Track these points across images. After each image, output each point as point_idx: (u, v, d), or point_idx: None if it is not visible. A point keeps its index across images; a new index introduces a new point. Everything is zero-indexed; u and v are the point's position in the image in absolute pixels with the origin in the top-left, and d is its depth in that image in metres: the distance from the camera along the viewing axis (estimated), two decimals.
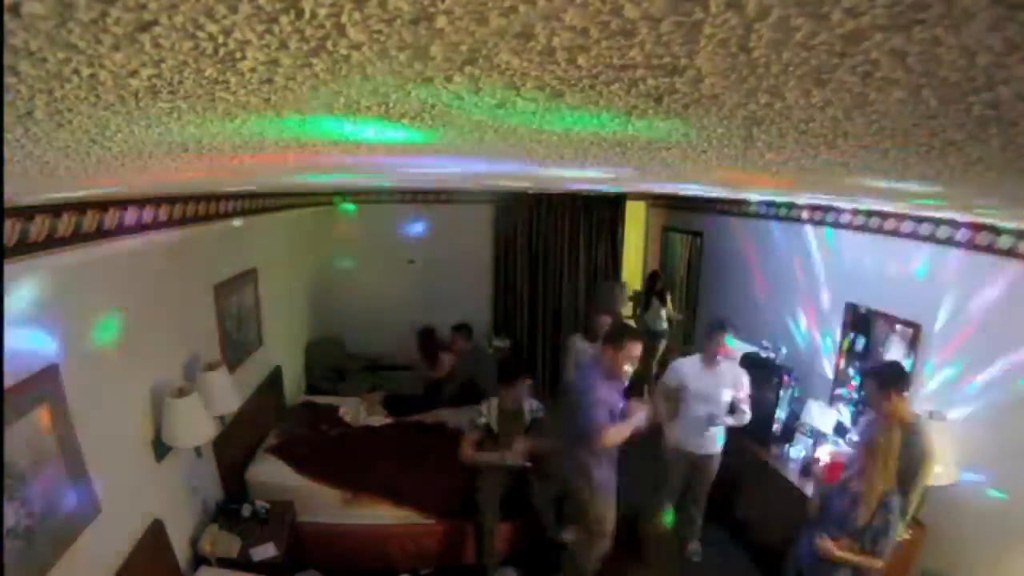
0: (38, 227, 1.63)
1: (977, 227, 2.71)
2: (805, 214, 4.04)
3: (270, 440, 3.86)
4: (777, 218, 4.41)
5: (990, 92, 0.44)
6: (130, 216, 2.13)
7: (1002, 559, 2.55)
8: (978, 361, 2.74)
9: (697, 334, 5.56)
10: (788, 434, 3.73)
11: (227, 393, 2.99)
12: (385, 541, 3.44)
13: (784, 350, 4.04)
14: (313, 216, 5.59)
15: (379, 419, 4.47)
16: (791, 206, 4.15)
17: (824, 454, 3.37)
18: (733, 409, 3.39)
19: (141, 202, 2.19)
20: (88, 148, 0.76)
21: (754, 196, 3.73)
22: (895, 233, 3.24)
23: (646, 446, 3.38)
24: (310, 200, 5.24)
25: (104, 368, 2.22)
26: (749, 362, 3.92)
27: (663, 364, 4.95)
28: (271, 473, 3.53)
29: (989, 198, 1.48)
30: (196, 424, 2.58)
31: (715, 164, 1.17)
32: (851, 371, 3.62)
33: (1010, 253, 2.57)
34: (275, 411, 4.29)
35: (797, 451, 3.60)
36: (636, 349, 2.99)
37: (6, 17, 0.30)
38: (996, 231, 2.63)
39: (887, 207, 2.98)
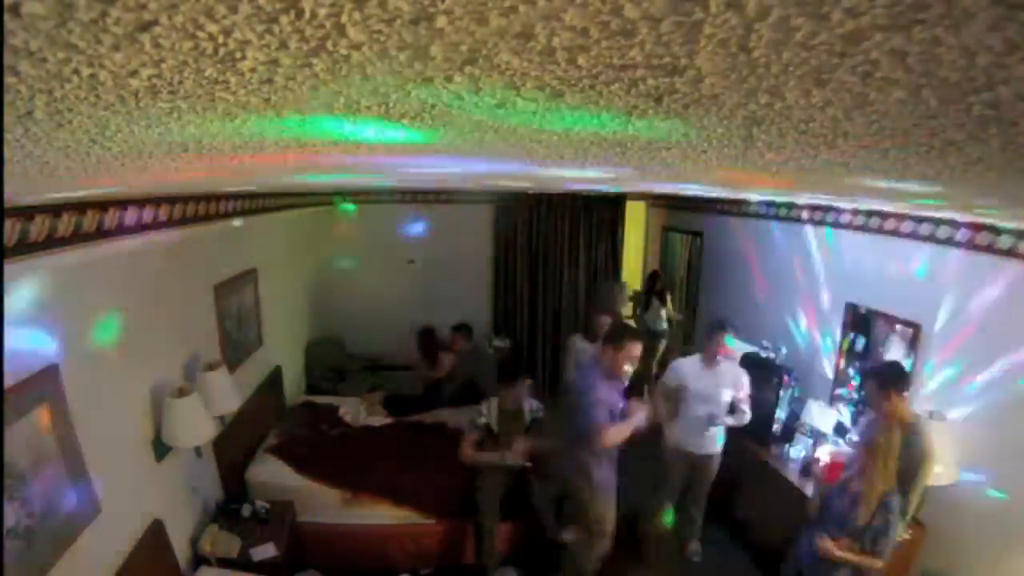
0: (38, 227, 1.63)
1: (977, 227, 2.72)
2: (805, 214, 4.04)
3: (270, 440, 3.86)
4: (777, 218, 4.41)
5: (990, 92, 0.44)
6: (130, 216, 2.13)
7: (1002, 559, 2.55)
8: (978, 361, 2.74)
9: (697, 334, 5.57)
10: (788, 434, 3.73)
11: (227, 393, 2.99)
12: (385, 541, 3.44)
13: (784, 350, 4.04)
14: (313, 216, 5.59)
15: (379, 419, 4.47)
16: (791, 206, 4.15)
17: (824, 454, 3.38)
18: (733, 409, 3.39)
19: (141, 202, 2.19)
20: (88, 148, 0.76)
21: (754, 196, 3.73)
22: (895, 233, 3.24)
23: (646, 446, 3.39)
24: (310, 200, 5.24)
25: (104, 368, 2.22)
26: (749, 362, 3.92)
27: (663, 364, 4.95)
28: (271, 473, 3.53)
29: (989, 198, 1.48)
30: (196, 424, 2.58)
31: (715, 164, 1.17)
32: (851, 371, 3.63)
33: (1010, 253, 2.57)
34: (275, 411, 4.29)
35: (797, 451, 3.60)
36: (636, 349, 3.01)
37: (6, 17, 0.30)
38: (996, 231, 2.63)
39: (887, 207, 2.98)
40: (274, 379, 4.41)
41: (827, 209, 3.75)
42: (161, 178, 1.47)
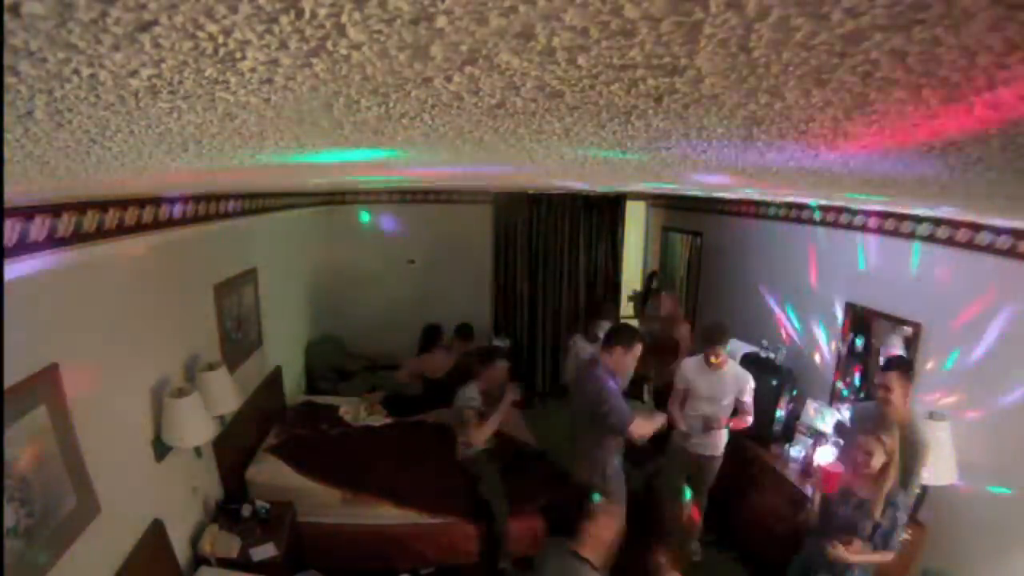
0: (38, 227, 1.63)
1: (977, 227, 2.72)
2: (806, 214, 4.04)
3: (270, 440, 3.86)
4: (777, 218, 4.41)
5: (990, 92, 0.44)
6: (130, 216, 2.13)
7: (1002, 559, 2.55)
8: (978, 361, 2.74)
9: (697, 334, 5.56)
10: (788, 434, 3.73)
11: (227, 393, 2.99)
12: (385, 541, 3.44)
13: (784, 350, 4.04)
14: (313, 216, 5.59)
15: (379, 419, 4.47)
16: (791, 206, 4.15)
17: (821, 458, 3.36)
18: (736, 412, 3.40)
19: (141, 202, 2.19)
20: (88, 148, 0.76)
21: (754, 196, 3.73)
22: (895, 233, 3.24)
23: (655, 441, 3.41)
24: (310, 200, 5.24)
25: (104, 368, 2.22)
26: (749, 362, 3.92)
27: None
28: (271, 473, 3.53)
29: (989, 198, 1.48)
30: (196, 424, 2.58)
31: (715, 164, 1.17)
32: (851, 371, 3.62)
33: (1010, 253, 2.58)
34: (275, 411, 4.28)
35: (797, 451, 3.60)
36: (639, 350, 3.09)
37: (6, 17, 0.30)
38: (995, 231, 2.63)
39: (887, 207, 2.98)
40: (274, 379, 4.41)
41: (827, 209, 3.75)
42: (161, 178, 1.47)
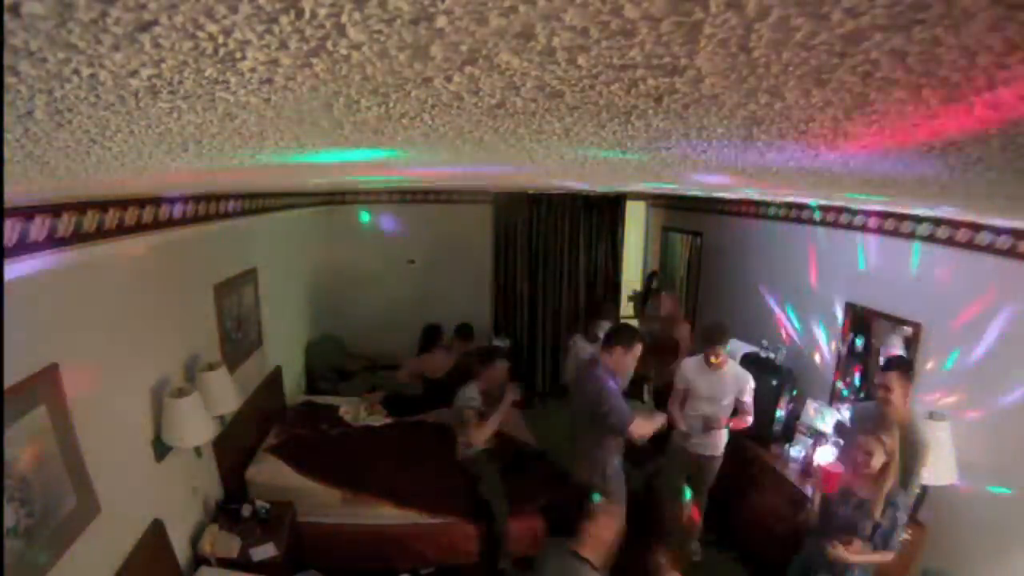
0: (38, 227, 1.63)
1: (977, 227, 2.72)
2: (806, 214, 4.04)
3: (270, 440, 3.86)
4: (777, 218, 4.41)
5: (990, 92, 0.44)
6: (130, 216, 2.13)
7: (1002, 558, 2.55)
8: (978, 361, 2.74)
9: (696, 334, 5.56)
10: (788, 434, 3.73)
11: (227, 393, 2.99)
12: (385, 541, 3.44)
13: (784, 350, 4.04)
14: (313, 216, 5.59)
15: (379, 419, 4.47)
16: (791, 206, 4.15)
17: (821, 458, 3.36)
18: (736, 412, 3.40)
19: (141, 202, 2.19)
20: (88, 148, 0.76)
21: (754, 196, 3.73)
22: (895, 233, 3.24)
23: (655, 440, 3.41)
24: (310, 200, 5.24)
25: (104, 368, 2.22)
26: (749, 362, 3.92)
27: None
28: (271, 473, 3.53)
29: (989, 198, 1.48)
30: (196, 424, 2.58)
31: (715, 164, 1.17)
32: (851, 371, 3.62)
33: (1010, 253, 2.57)
34: (275, 411, 4.28)
35: (797, 451, 3.60)
36: (639, 350, 3.11)
37: (6, 17, 0.30)
38: (995, 231, 2.63)
39: (887, 207, 2.98)
40: (274, 379, 4.41)
41: (827, 209, 3.75)
42: (161, 178, 1.47)
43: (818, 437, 3.52)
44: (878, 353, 3.39)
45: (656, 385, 4.96)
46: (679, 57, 0.41)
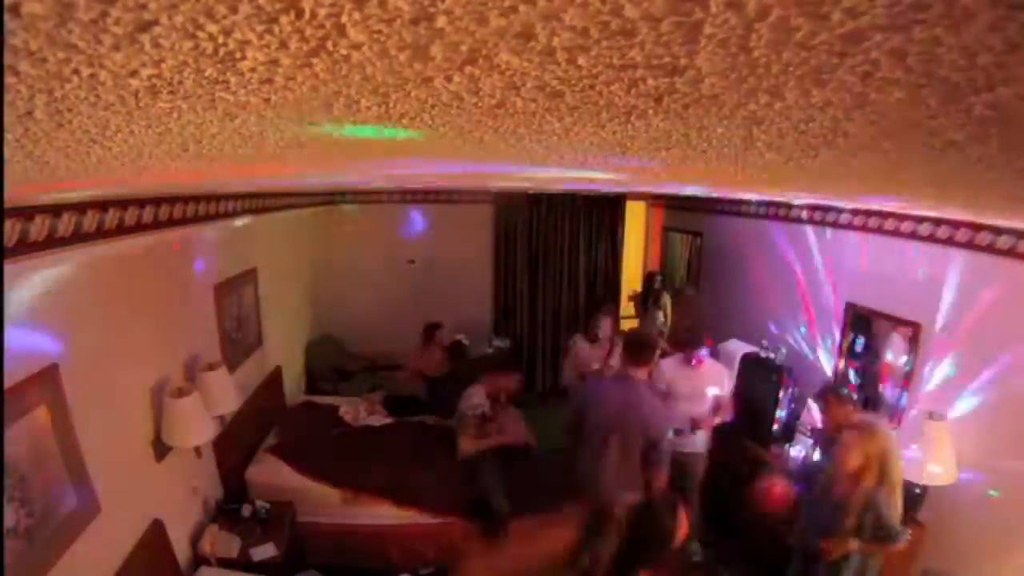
0: (38, 227, 1.63)
1: (977, 227, 2.71)
2: (805, 214, 4.04)
3: (270, 440, 3.86)
4: (777, 218, 4.41)
5: (990, 92, 0.44)
6: (130, 216, 2.13)
7: (1002, 558, 2.55)
8: (978, 360, 2.74)
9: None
10: (788, 434, 3.73)
11: (227, 393, 2.99)
12: (385, 541, 3.44)
13: (784, 350, 4.03)
14: (313, 216, 5.59)
15: (379, 419, 4.47)
16: (791, 206, 4.15)
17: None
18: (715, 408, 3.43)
19: (141, 202, 2.19)
20: (88, 148, 0.77)
21: (753, 196, 3.73)
22: (895, 233, 3.24)
23: None
24: (310, 200, 5.24)
25: (104, 368, 2.22)
26: (749, 362, 3.92)
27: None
28: (271, 473, 3.52)
29: (989, 198, 1.48)
30: (196, 424, 2.58)
31: (715, 164, 1.17)
32: (851, 371, 3.62)
33: (1010, 253, 2.57)
34: (275, 411, 4.28)
35: (797, 451, 3.60)
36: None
37: (6, 17, 0.30)
38: (996, 231, 2.63)
39: (887, 207, 2.98)
40: (274, 379, 4.41)
41: (827, 209, 3.75)
42: (161, 178, 1.47)
43: (818, 437, 3.52)
44: (878, 353, 3.39)
45: None
46: (679, 57, 0.41)
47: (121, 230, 2.09)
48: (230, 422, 3.35)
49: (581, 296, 6.38)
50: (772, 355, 4.00)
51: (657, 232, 7.06)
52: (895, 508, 2.39)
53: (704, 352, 3.46)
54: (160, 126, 0.66)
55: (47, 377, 1.85)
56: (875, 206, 3.06)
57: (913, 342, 3.12)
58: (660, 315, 5.99)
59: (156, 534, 2.44)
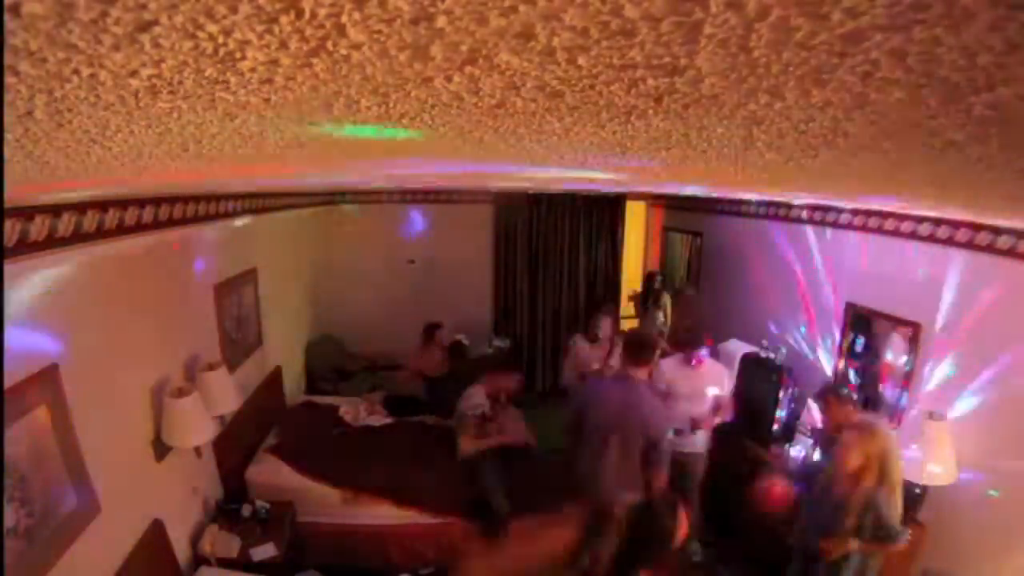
0: (38, 227, 1.63)
1: (977, 227, 2.71)
2: (805, 214, 4.04)
3: (270, 440, 3.86)
4: (777, 218, 4.41)
5: (990, 92, 0.44)
6: (130, 216, 2.13)
7: (1002, 558, 2.55)
8: (978, 360, 2.74)
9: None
10: (788, 434, 3.73)
11: (227, 393, 2.99)
12: (385, 541, 3.44)
13: (784, 350, 4.03)
14: (313, 216, 5.59)
15: (379, 419, 4.47)
16: (791, 206, 4.15)
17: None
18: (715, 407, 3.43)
19: (141, 202, 2.19)
20: (88, 148, 0.76)
21: (753, 196, 3.73)
22: (895, 233, 3.24)
23: None
24: (310, 200, 5.24)
25: (104, 368, 2.22)
26: (749, 362, 3.92)
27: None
28: (271, 473, 3.53)
29: (989, 198, 1.48)
30: (196, 424, 2.58)
31: (715, 164, 1.17)
32: (851, 371, 3.62)
33: (1010, 253, 2.57)
34: (275, 411, 4.28)
35: (797, 451, 3.60)
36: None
37: (6, 17, 0.30)
38: (996, 231, 2.63)
39: (887, 207, 2.98)
40: (274, 379, 4.41)
41: (827, 209, 3.75)
42: (161, 178, 1.47)
43: (818, 437, 3.53)
44: (878, 353, 3.39)
45: None
46: (679, 57, 0.41)
47: (121, 230, 2.09)
48: (230, 422, 3.35)
49: (581, 296, 6.38)
50: (772, 355, 4.00)
51: (657, 232, 7.06)
52: (895, 508, 2.39)
53: (704, 352, 3.46)
54: (160, 126, 0.66)
55: (47, 377, 1.85)
56: (875, 206, 3.06)
57: (913, 342, 3.12)
58: (660, 315, 5.99)
59: (156, 534, 2.44)
